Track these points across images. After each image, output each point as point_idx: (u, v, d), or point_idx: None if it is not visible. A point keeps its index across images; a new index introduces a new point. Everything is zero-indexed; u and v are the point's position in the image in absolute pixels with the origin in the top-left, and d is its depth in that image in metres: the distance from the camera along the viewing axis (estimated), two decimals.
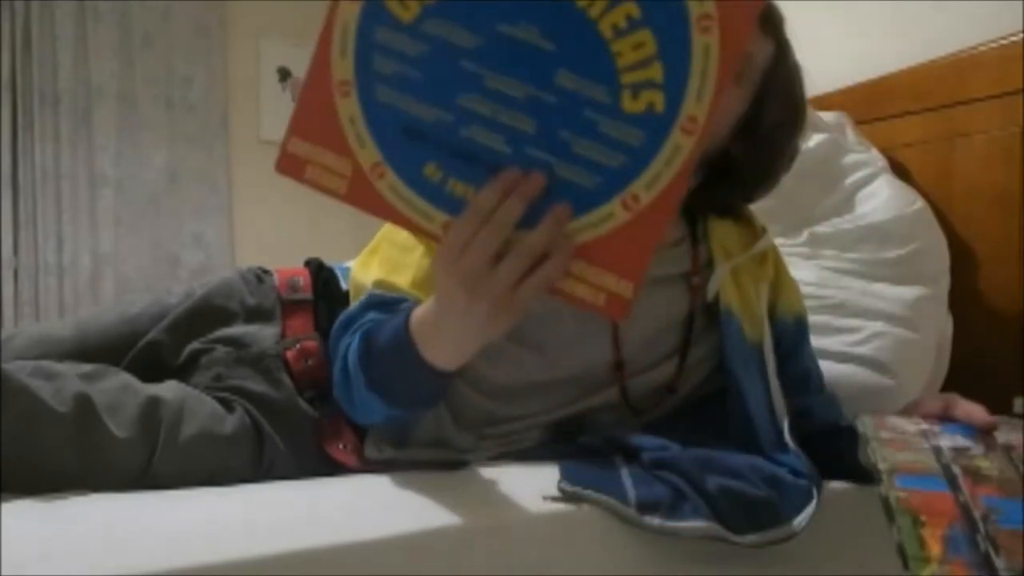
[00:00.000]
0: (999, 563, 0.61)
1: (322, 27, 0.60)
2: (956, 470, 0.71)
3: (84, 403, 0.78)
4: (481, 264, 0.60)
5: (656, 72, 0.57)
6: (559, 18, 0.57)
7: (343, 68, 0.60)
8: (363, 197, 0.61)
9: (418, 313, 0.71)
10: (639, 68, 0.57)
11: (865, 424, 0.80)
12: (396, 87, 0.60)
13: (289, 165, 0.61)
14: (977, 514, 0.66)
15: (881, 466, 0.72)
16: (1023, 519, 0.65)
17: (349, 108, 0.60)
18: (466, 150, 0.60)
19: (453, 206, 0.61)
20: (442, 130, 0.60)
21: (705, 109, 0.57)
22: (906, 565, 0.62)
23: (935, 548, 0.63)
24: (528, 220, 0.60)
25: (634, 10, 0.57)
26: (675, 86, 0.57)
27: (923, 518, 0.66)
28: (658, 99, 0.58)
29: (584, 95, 0.58)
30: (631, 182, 0.59)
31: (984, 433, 0.77)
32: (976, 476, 0.70)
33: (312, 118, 0.61)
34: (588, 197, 0.60)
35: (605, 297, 0.61)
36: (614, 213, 0.60)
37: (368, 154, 0.61)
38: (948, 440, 0.77)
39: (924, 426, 0.80)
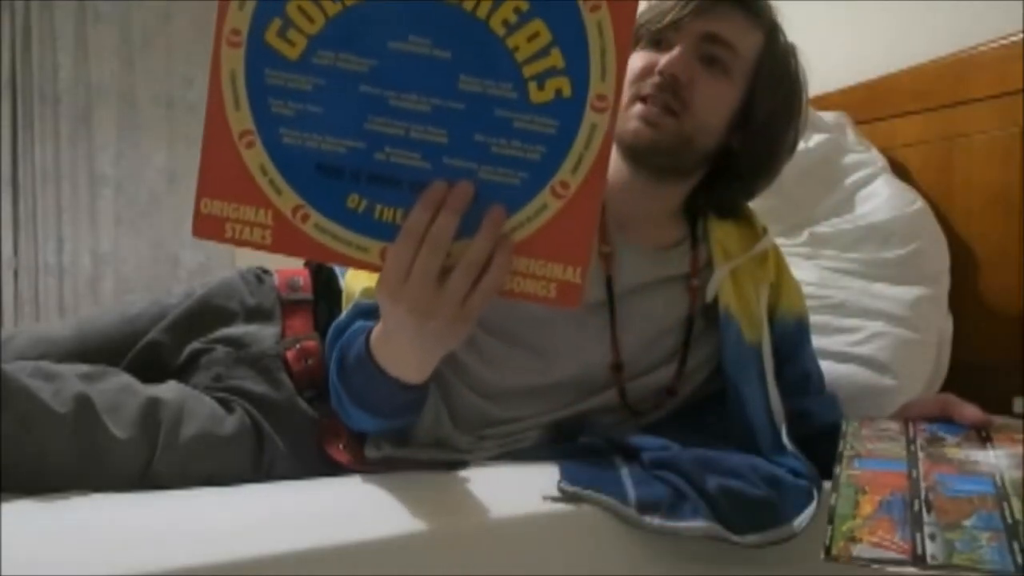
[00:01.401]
0: (927, 519, 0.61)
1: (209, 80, 0.58)
2: (921, 455, 0.72)
3: (84, 404, 0.78)
4: (427, 286, 0.60)
5: (556, 59, 0.57)
6: (448, 25, 0.57)
7: (240, 119, 0.58)
8: (291, 243, 0.60)
9: (375, 334, 0.72)
10: (539, 58, 0.57)
11: (849, 423, 0.81)
12: (299, 127, 0.58)
13: (206, 227, 0.60)
14: (924, 484, 0.66)
15: (846, 453, 0.73)
16: (966, 489, 0.65)
17: (257, 157, 0.59)
18: (385, 174, 0.59)
19: (386, 232, 0.60)
20: (356, 159, 0.59)
21: (612, 84, 0.58)
22: (831, 522, 0.63)
23: (867, 509, 0.64)
24: (465, 230, 0.59)
25: (521, 3, 0.57)
26: (578, 69, 0.57)
27: (867, 488, 0.67)
28: (564, 85, 0.58)
29: (491, 95, 0.58)
30: (556, 170, 0.59)
31: (976, 431, 0.77)
32: (939, 459, 0.71)
33: (220, 175, 0.59)
34: (517, 194, 0.59)
35: (556, 287, 0.61)
36: (547, 204, 0.60)
37: (286, 199, 0.60)
38: (927, 434, 0.78)
39: (910, 425, 0.81)
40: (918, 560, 0.58)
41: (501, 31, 0.57)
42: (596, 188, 0.59)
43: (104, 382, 0.82)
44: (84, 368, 0.84)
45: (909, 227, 1.30)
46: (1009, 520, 0.60)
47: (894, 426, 0.82)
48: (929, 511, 0.63)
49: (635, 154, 0.93)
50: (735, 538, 0.74)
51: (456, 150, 0.59)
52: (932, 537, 0.60)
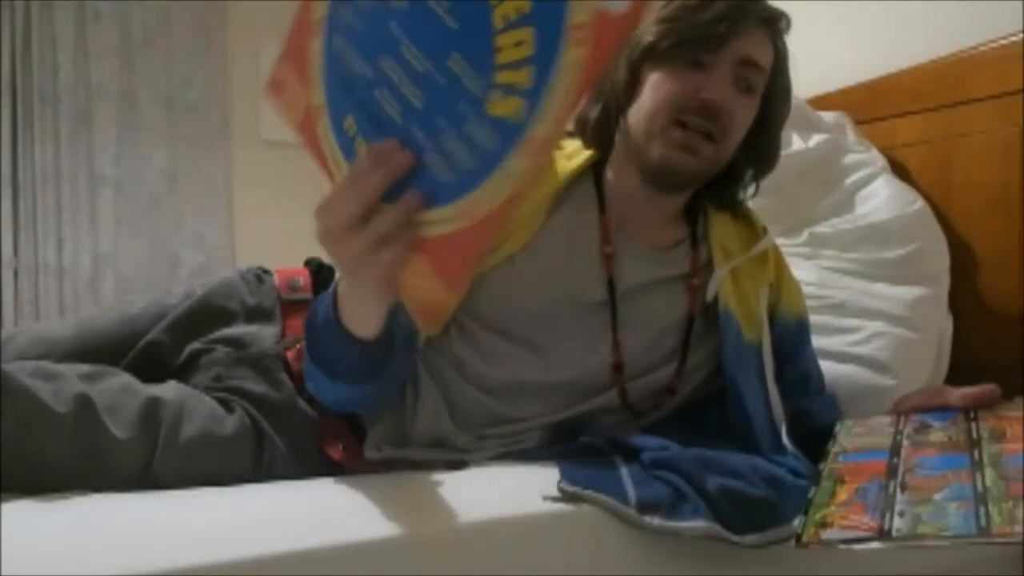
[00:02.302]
0: (900, 498, 0.61)
1: None
2: (906, 443, 0.72)
3: (84, 403, 0.78)
4: (341, 222, 0.59)
5: (526, 77, 0.52)
6: None
7: (320, 7, 0.63)
8: (307, 134, 0.65)
9: (337, 280, 0.72)
10: (513, 68, 0.53)
11: (843, 424, 0.81)
12: (346, 36, 0.61)
13: (274, 86, 0.67)
14: (903, 468, 0.67)
15: (833, 450, 0.73)
16: (943, 467, 0.65)
17: (316, 47, 0.64)
18: (374, 112, 0.60)
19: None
20: (363, 87, 0.60)
21: (551, 129, 0.52)
22: (805, 512, 0.63)
23: (842, 496, 0.64)
24: (391, 198, 0.58)
25: (525, 4, 0.52)
26: (535, 98, 0.52)
27: (846, 478, 0.67)
28: (519, 108, 0.52)
29: (464, 85, 0.55)
30: (474, 188, 0.55)
31: (966, 413, 0.77)
32: (922, 445, 0.71)
33: (295, 47, 0.65)
34: (442, 192, 0.57)
35: (425, 300, 0.59)
36: (457, 216, 0.56)
37: (316, 94, 0.64)
38: (916, 423, 0.78)
39: (902, 417, 0.81)
40: (884, 535, 0.58)
41: (499, 24, 0.53)
42: (499, 222, 0.55)
43: (104, 382, 0.82)
44: (85, 368, 0.84)
45: (909, 227, 1.30)
46: (980, 488, 0.60)
47: (886, 420, 0.82)
48: (903, 491, 0.63)
49: (667, 177, 0.93)
50: (735, 538, 0.74)
51: (422, 121, 0.57)
52: (901, 514, 0.60)
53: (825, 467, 0.72)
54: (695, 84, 0.89)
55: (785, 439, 0.88)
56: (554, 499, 0.76)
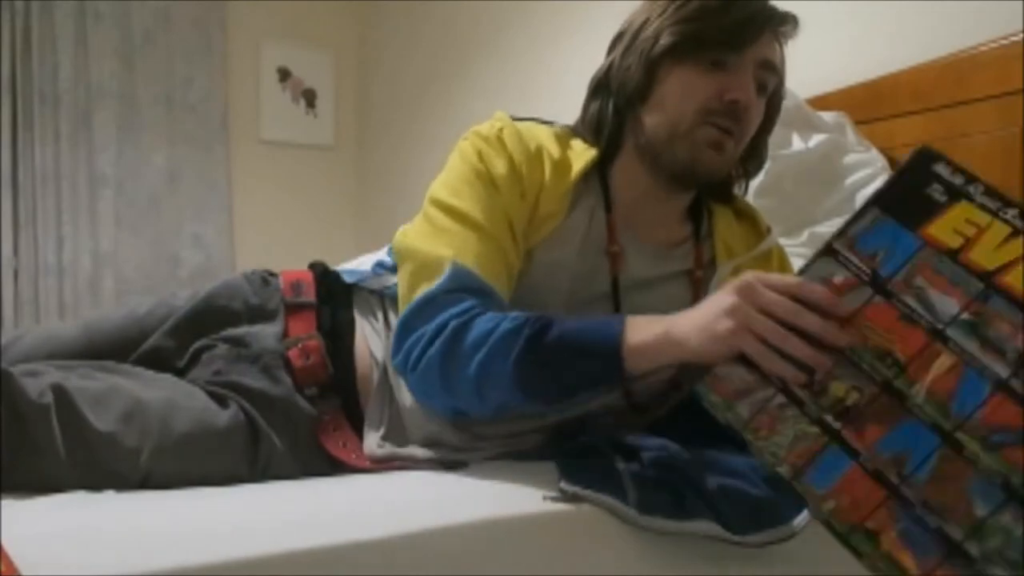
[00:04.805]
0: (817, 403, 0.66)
1: None
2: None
3: (60, 393, 0.78)
4: (767, 302, 0.66)
5: None
6: None
7: None
8: None
9: (637, 332, 0.77)
10: None
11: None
12: None
13: None
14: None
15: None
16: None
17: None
18: None
19: None
20: None
21: None
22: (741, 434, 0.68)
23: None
24: None
25: None
26: None
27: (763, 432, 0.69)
28: None
29: None
30: None
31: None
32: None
33: None
34: None
35: None
36: None
37: None
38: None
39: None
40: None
41: None
42: None
43: (92, 379, 0.83)
44: (85, 364, 0.84)
45: None
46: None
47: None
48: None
49: (695, 176, 0.94)
50: (735, 538, 0.73)
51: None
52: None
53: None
54: (721, 85, 0.90)
55: None
56: (554, 499, 0.76)
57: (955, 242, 0.65)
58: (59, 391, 0.78)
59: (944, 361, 0.63)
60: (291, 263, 1.11)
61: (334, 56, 3.80)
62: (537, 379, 0.79)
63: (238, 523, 0.68)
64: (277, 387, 0.90)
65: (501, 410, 0.84)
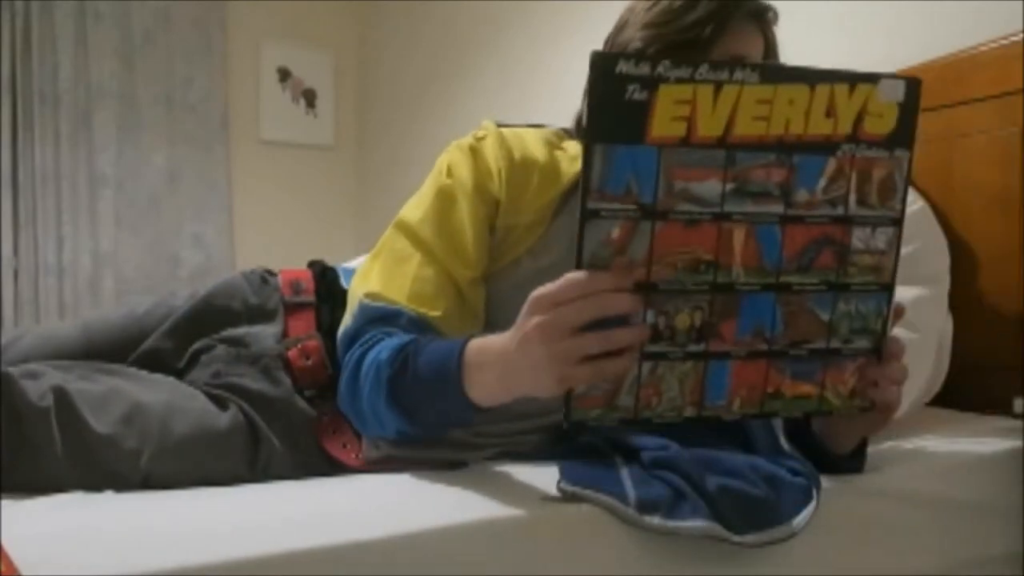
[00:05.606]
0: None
1: None
2: None
3: (60, 395, 0.78)
4: (565, 325, 0.64)
5: None
6: None
7: None
8: None
9: (476, 347, 0.73)
10: None
11: None
12: None
13: None
14: None
15: None
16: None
17: None
18: None
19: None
20: None
21: None
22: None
23: None
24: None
25: None
26: None
27: None
28: None
29: None
30: None
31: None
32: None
33: None
34: None
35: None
36: None
37: None
38: None
39: None
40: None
41: None
42: None
43: (92, 382, 0.83)
44: (85, 364, 0.84)
45: (909, 227, 1.29)
46: None
47: None
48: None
49: None
50: (735, 538, 0.73)
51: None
52: None
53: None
54: None
55: (783, 441, 0.88)
56: (554, 499, 0.76)
57: (680, 129, 0.65)
58: (59, 393, 0.78)
59: (738, 235, 0.68)
60: (291, 263, 1.11)
61: (334, 56, 3.80)
62: (412, 416, 0.79)
63: (238, 523, 0.68)
64: (277, 388, 0.90)
65: (408, 436, 0.83)
